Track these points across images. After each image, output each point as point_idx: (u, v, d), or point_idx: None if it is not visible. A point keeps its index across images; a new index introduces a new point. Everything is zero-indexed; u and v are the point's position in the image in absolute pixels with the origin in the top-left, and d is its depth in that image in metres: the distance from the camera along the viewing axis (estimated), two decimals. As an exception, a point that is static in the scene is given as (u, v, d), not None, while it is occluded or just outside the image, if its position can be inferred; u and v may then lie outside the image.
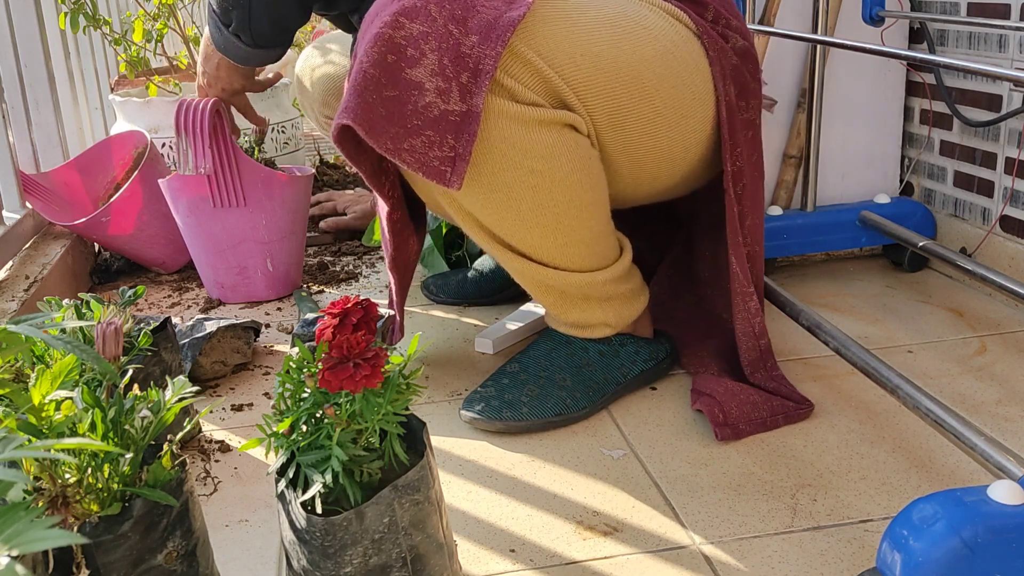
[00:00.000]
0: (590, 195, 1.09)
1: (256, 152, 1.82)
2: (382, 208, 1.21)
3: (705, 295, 1.37)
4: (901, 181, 1.82)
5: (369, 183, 1.14)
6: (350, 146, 1.07)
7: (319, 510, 0.74)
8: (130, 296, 1.08)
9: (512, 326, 1.46)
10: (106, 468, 0.69)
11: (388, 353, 0.76)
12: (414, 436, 0.81)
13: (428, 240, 1.71)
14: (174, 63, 2.35)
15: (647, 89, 1.09)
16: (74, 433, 0.69)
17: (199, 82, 1.55)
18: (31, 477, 0.67)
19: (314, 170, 2.15)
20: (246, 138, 1.85)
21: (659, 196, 1.24)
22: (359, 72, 0.98)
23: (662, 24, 1.12)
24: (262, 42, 1.35)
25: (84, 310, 0.96)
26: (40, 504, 0.66)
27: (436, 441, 1.18)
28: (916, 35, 1.72)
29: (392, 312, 1.33)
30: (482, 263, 1.62)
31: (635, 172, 1.15)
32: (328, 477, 0.72)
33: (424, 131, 0.98)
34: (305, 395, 0.76)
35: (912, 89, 1.77)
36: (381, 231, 1.26)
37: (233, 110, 1.61)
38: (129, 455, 0.70)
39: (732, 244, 1.19)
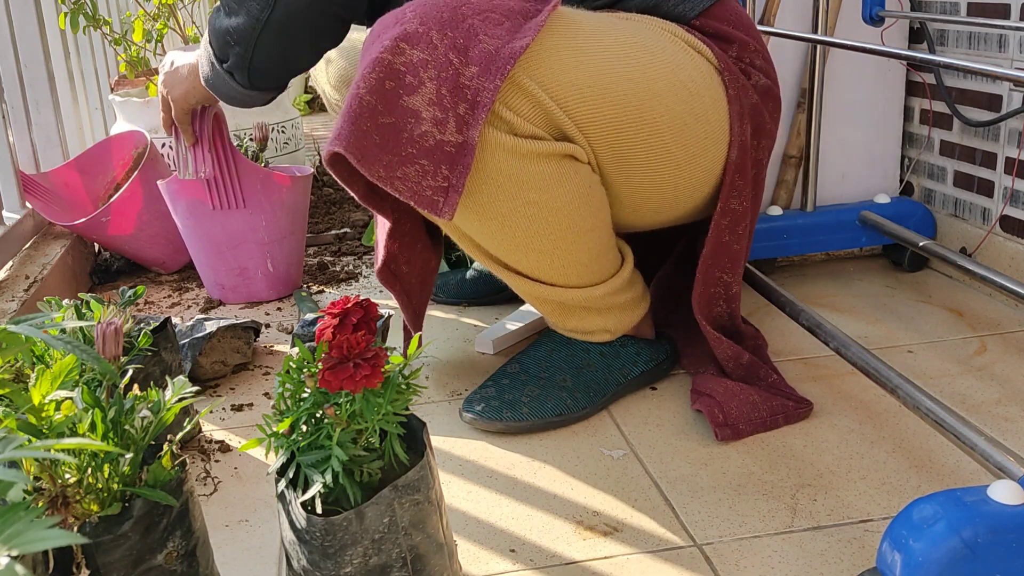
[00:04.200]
0: (590, 221, 1.07)
1: (261, 159, 1.82)
2: (382, 225, 1.18)
3: None
4: (901, 181, 1.82)
5: (365, 203, 1.11)
6: (343, 170, 1.05)
7: (319, 510, 0.74)
8: (130, 296, 1.08)
9: (512, 326, 1.46)
10: (106, 468, 0.69)
11: (388, 353, 0.76)
12: (414, 436, 0.81)
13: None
14: (174, 63, 2.35)
15: (658, 125, 1.07)
16: (74, 433, 0.69)
17: (163, 98, 1.46)
18: (31, 477, 0.67)
19: (314, 170, 2.15)
20: (245, 141, 1.85)
21: (659, 225, 1.23)
22: (354, 98, 0.97)
23: (681, 58, 1.10)
24: (258, 83, 1.25)
25: (84, 310, 0.96)
26: (40, 504, 0.66)
27: (436, 441, 1.18)
28: (916, 35, 1.72)
29: (391, 314, 1.32)
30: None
31: (636, 204, 1.13)
32: (328, 477, 0.72)
33: (418, 160, 0.97)
34: (305, 395, 0.76)
35: (912, 89, 1.77)
36: (375, 242, 1.23)
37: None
38: (129, 455, 0.70)
39: (703, 280, 1.19)
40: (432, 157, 0.97)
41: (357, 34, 1.65)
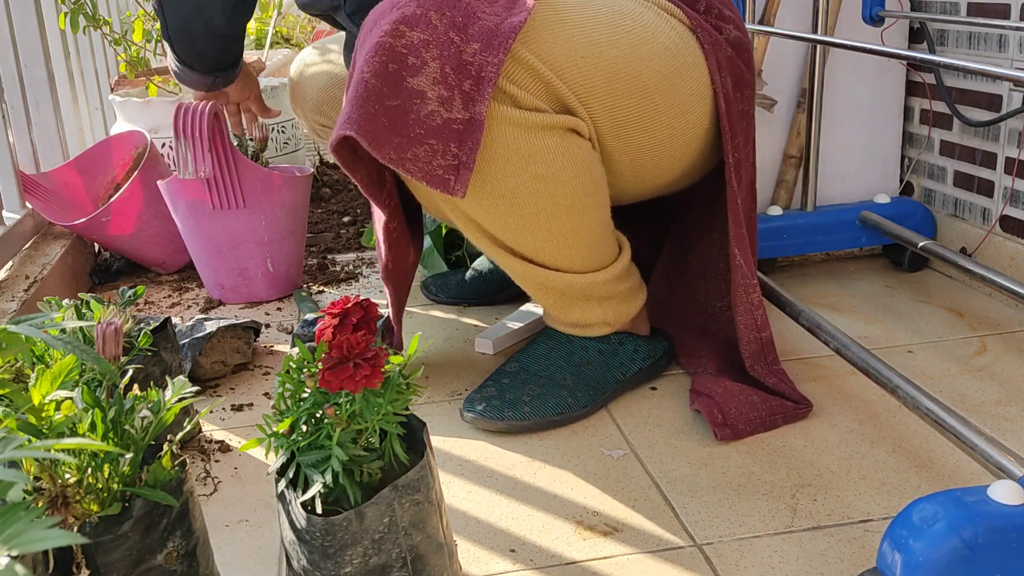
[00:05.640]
0: (592, 198, 1.09)
1: (261, 159, 1.82)
2: (378, 218, 1.20)
3: (699, 288, 1.37)
4: (901, 181, 1.82)
5: (365, 192, 1.13)
6: (347, 156, 1.07)
7: (319, 510, 0.74)
8: (130, 296, 1.08)
9: (512, 326, 1.46)
10: (106, 468, 0.69)
11: (388, 353, 0.76)
12: (414, 436, 0.81)
13: (428, 241, 1.71)
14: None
15: (647, 88, 1.09)
16: (74, 433, 0.69)
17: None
18: (31, 477, 0.67)
19: (314, 170, 2.15)
20: (248, 142, 1.85)
21: (659, 192, 1.25)
22: (360, 82, 0.97)
23: (658, 21, 1.12)
24: (183, 53, 1.36)
25: (84, 310, 0.96)
26: (40, 504, 0.66)
27: (436, 441, 1.18)
28: (916, 35, 1.72)
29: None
30: (481, 263, 1.62)
31: (636, 170, 1.15)
32: (328, 477, 0.72)
33: (427, 140, 0.98)
34: (305, 395, 0.76)
35: (912, 89, 1.77)
36: (376, 241, 1.26)
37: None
38: (129, 455, 0.70)
39: (735, 236, 1.19)
40: (440, 136, 0.98)
41: (316, 62, 1.67)
